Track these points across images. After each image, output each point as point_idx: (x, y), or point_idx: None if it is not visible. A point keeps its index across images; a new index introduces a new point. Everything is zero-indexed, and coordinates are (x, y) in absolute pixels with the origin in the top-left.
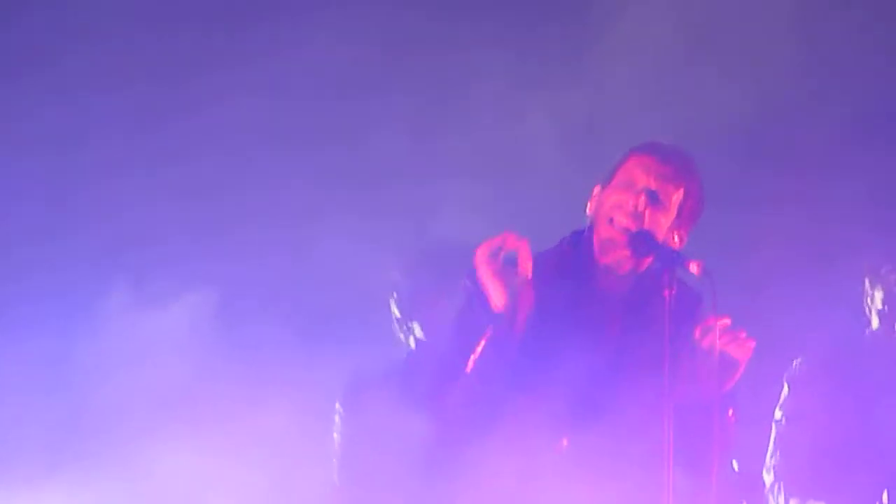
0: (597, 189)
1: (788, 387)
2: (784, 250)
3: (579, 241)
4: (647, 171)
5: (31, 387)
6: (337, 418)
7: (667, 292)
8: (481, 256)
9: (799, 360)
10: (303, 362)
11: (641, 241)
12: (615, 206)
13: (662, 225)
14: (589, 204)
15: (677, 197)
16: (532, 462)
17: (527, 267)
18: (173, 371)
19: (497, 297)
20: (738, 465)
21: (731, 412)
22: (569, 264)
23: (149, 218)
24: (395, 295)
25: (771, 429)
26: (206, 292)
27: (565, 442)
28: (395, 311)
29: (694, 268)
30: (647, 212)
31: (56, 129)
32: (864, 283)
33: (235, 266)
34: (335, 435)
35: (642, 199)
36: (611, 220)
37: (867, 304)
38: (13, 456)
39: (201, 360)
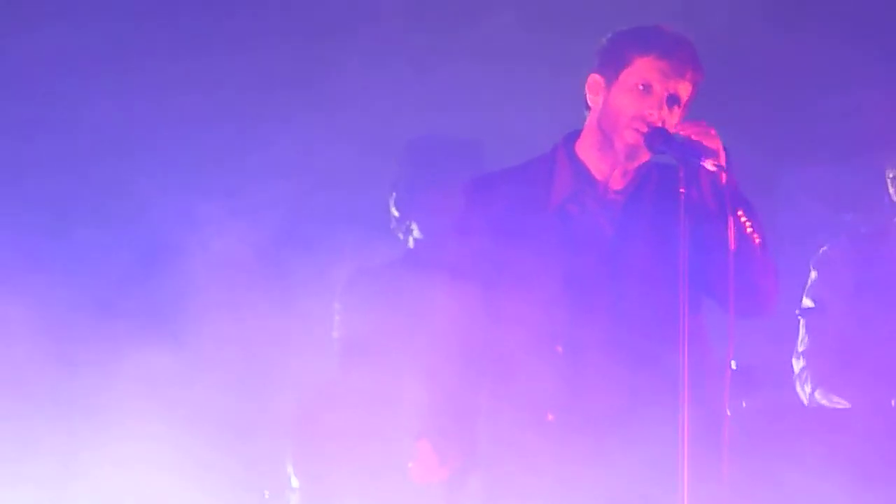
0: (595, 79)
1: (816, 272)
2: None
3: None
4: (666, 76)
5: None
6: (336, 317)
7: (683, 189)
8: None
9: (826, 247)
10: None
11: (658, 138)
12: (637, 117)
13: (675, 120)
14: (588, 96)
15: (689, 93)
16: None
17: None
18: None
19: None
20: (738, 363)
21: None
22: (568, 169)
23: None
24: (393, 195)
25: (798, 317)
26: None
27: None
28: (394, 211)
29: (709, 164)
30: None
31: None
32: (886, 173)
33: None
34: (334, 333)
35: (665, 106)
36: (636, 129)
37: (892, 191)
38: None
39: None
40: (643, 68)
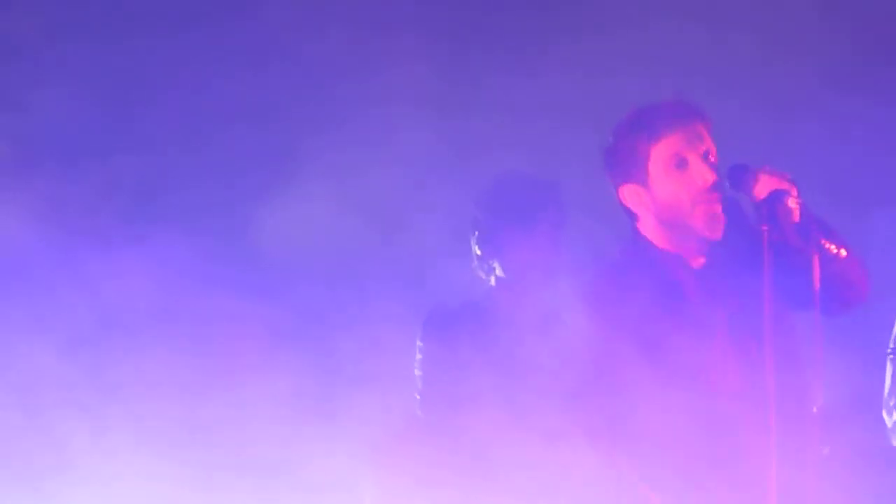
0: (629, 189)
1: None
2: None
3: (636, 246)
4: (687, 141)
5: None
6: (418, 355)
7: (765, 227)
8: None
9: None
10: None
11: (742, 173)
12: (696, 193)
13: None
14: (631, 208)
15: (711, 140)
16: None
17: None
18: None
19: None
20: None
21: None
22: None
23: None
24: (475, 234)
25: (886, 363)
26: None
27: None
28: (476, 250)
29: (791, 202)
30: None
31: None
32: None
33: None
34: (417, 371)
35: (705, 165)
36: (703, 202)
37: None
38: None
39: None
40: (665, 151)
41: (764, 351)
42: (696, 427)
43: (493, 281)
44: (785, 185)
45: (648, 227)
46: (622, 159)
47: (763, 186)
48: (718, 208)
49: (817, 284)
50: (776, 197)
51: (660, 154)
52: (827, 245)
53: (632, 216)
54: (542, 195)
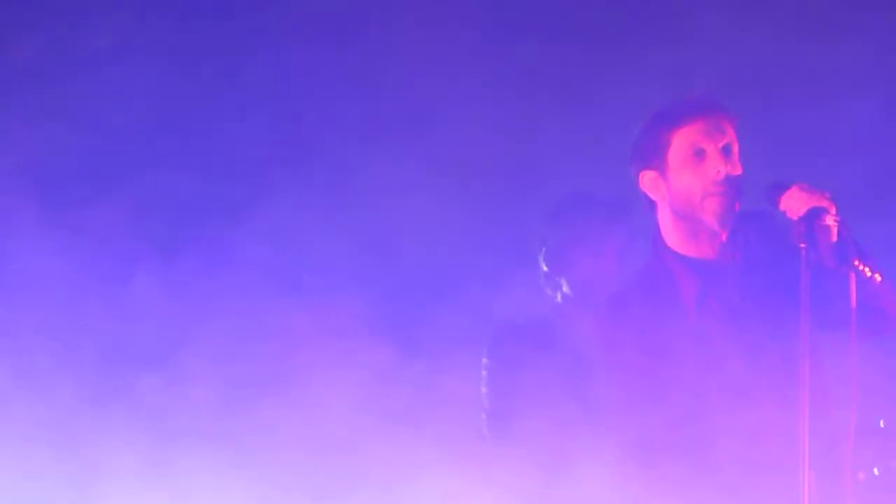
0: (648, 175)
1: None
2: None
3: (658, 260)
4: (707, 133)
5: None
6: (484, 372)
7: (803, 245)
8: None
9: None
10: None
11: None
12: (709, 183)
13: (737, 169)
14: (648, 195)
15: (734, 137)
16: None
17: None
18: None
19: None
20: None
21: None
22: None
23: None
24: (543, 250)
25: None
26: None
27: None
28: (543, 266)
29: (830, 220)
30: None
31: None
32: None
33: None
34: (483, 389)
35: (722, 159)
36: (713, 194)
37: None
38: None
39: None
40: (685, 140)
41: (800, 369)
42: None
43: (559, 297)
44: (824, 203)
45: (665, 218)
46: (644, 146)
47: (801, 204)
48: (729, 203)
49: (854, 303)
50: (814, 214)
51: (680, 142)
52: (861, 268)
53: (650, 205)
54: (610, 214)
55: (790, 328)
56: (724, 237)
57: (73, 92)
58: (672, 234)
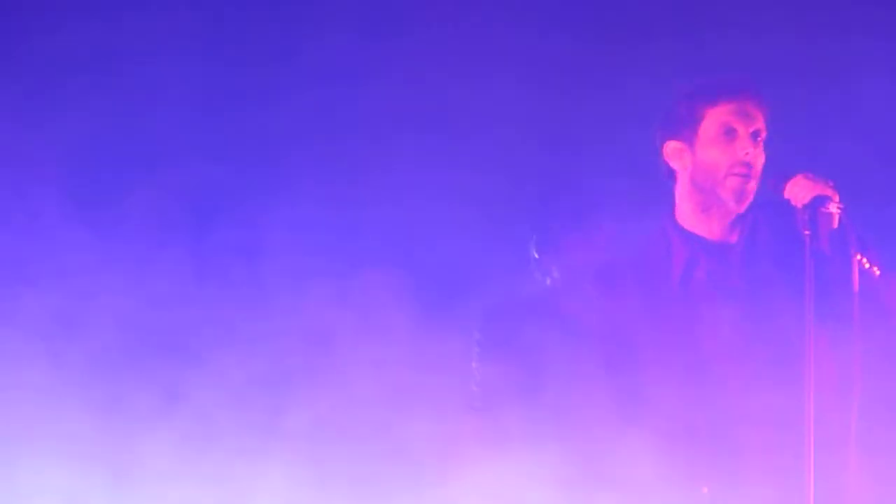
0: (674, 146)
1: None
2: None
3: (664, 233)
4: (742, 115)
5: None
6: (476, 348)
7: (807, 231)
8: None
9: None
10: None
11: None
12: (734, 163)
13: (761, 156)
14: (671, 164)
15: (764, 125)
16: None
17: None
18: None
19: None
20: None
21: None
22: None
23: None
24: (534, 237)
25: None
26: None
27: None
28: (534, 253)
29: (833, 207)
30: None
31: None
32: None
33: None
34: (474, 364)
35: (751, 142)
36: (736, 174)
37: None
38: None
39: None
40: (718, 117)
41: (805, 352)
42: (724, 420)
43: (548, 282)
44: (827, 192)
45: (682, 189)
46: (677, 116)
47: (806, 192)
48: (749, 184)
49: (856, 287)
50: (818, 202)
51: (713, 119)
52: (860, 258)
53: (670, 174)
54: (604, 203)
55: (784, 312)
56: (734, 218)
57: (103, 83)
58: (685, 205)
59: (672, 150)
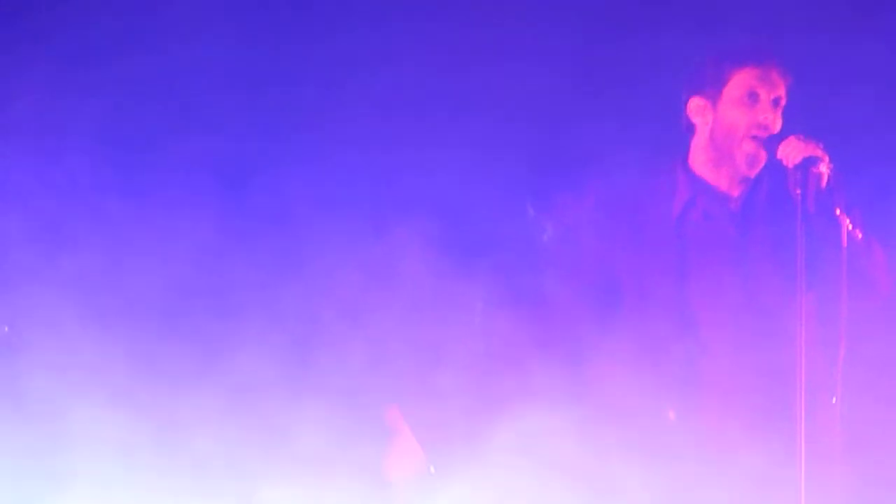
0: (698, 102)
1: None
2: None
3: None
4: (766, 81)
5: None
6: (479, 304)
7: (799, 190)
8: None
9: None
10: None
11: (772, 143)
12: (753, 126)
13: (779, 123)
14: (692, 118)
15: (784, 94)
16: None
17: None
18: None
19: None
20: None
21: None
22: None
23: None
24: (530, 197)
25: None
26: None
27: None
28: (530, 211)
29: (823, 167)
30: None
31: None
32: None
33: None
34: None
35: (772, 109)
36: (753, 137)
37: None
38: None
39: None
40: (744, 80)
41: (797, 308)
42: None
43: (545, 238)
44: (818, 153)
45: (699, 141)
46: (704, 75)
47: (797, 152)
48: (762, 150)
49: (845, 243)
50: (809, 162)
51: (738, 81)
52: (843, 220)
53: (690, 128)
54: (596, 160)
55: (774, 265)
56: (742, 178)
57: (139, 58)
58: (699, 156)
59: (695, 106)
